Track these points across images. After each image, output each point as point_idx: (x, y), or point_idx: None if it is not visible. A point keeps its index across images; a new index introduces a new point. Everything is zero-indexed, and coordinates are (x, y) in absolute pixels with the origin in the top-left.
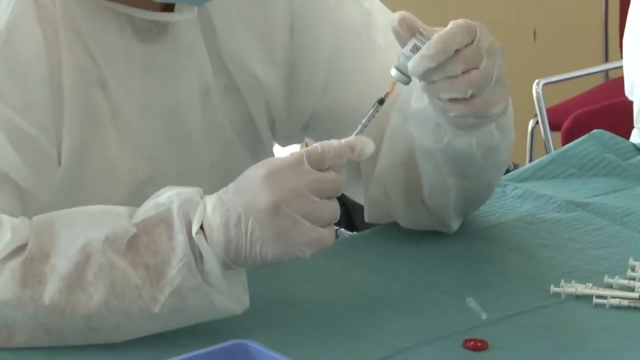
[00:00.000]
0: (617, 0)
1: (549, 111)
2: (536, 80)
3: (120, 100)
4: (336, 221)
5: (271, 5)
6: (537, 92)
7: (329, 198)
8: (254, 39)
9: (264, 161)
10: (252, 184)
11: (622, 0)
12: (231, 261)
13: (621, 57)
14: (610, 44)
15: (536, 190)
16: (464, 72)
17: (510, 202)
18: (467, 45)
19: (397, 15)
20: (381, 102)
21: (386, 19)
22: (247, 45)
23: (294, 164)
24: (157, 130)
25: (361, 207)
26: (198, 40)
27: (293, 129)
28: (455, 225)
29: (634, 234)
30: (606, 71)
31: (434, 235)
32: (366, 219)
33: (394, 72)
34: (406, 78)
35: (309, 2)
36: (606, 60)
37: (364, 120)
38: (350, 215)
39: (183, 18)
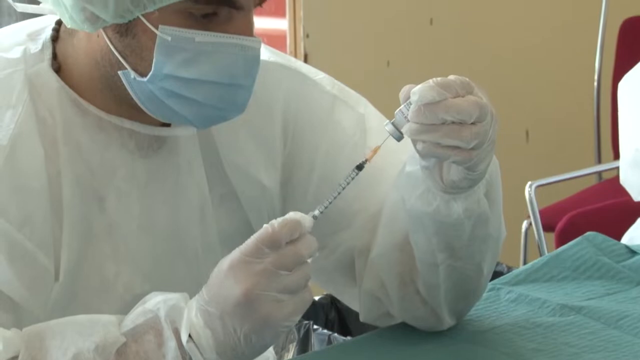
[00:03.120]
0: (609, 101)
1: (542, 212)
2: (529, 183)
3: (119, 216)
4: (309, 278)
5: (269, 111)
6: (530, 194)
7: (296, 268)
8: (256, 145)
9: (226, 257)
10: (220, 282)
11: (614, 101)
12: (228, 359)
13: (614, 158)
14: (603, 145)
15: (530, 293)
16: (470, 123)
17: (504, 306)
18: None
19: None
20: (359, 167)
21: (380, 124)
22: (250, 152)
23: (252, 251)
24: (155, 245)
25: (356, 312)
26: (196, 154)
27: None
28: (448, 318)
29: (629, 338)
30: (599, 172)
31: (427, 338)
32: (361, 319)
33: (389, 127)
34: (399, 134)
35: (304, 107)
36: (599, 161)
37: (342, 182)
38: (344, 319)
39: (185, 133)
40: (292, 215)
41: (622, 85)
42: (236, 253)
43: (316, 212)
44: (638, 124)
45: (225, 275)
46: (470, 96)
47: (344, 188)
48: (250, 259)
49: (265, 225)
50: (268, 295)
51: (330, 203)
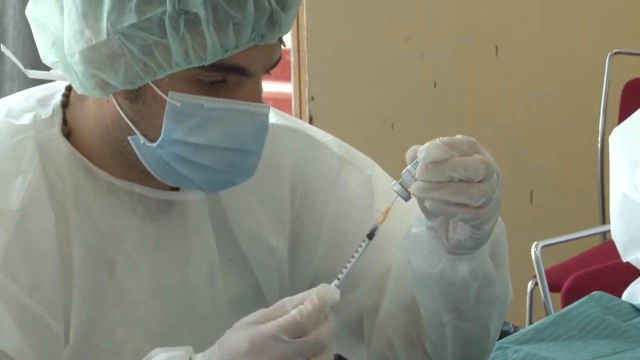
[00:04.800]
0: None
1: (547, 272)
2: (534, 243)
3: (129, 280)
4: None
5: (277, 174)
6: (536, 254)
7: (316, 355)
8: (264, 208)
9: (244, 325)
10: (236, 357)
11: None
12: None
13: None
14: (607, 205)
15: (537, 352)
16: (478, 182)
17: None
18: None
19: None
20: (370, 236)
21: (387, 185)
22: (258, 215)
23: (275, 337)
24: (165, 310)
25: None
26: (205, 218)
27: (295, 294)
28: None
29: None
30: (603, 233)
31: None
32: None
33: (397, 187)
34: (407, 194)
35: (311, 169)
36: (603, 221)
37: (356, 255)
38: None
39: (194, 197)
40: (320, 293)
41: (612, 137)
42: (259, 332)
43: (336, 282)
44: (627, 173)
45: (244, 354)
46: (476, 155)
47: (360, 254)
48: (271, 343)
49: (292, 312)
50: None
51: (348, 270)
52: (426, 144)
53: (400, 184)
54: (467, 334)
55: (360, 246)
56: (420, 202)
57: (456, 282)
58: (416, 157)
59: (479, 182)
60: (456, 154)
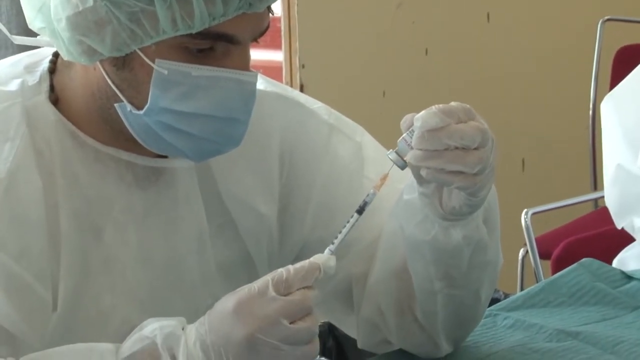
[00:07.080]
0: None
1: (538, 240)
2: (525, 210)
3: (117, 247)
4: (316, 334)
5: (266, 141)
6: (526, 222)
7: (302, 319)
8: (253, 175)
9: (233, 292)
10: (223, 318)
11: None
12: None
13: None
14: (598, 172)
15: (527, 319)
16: (473, 149)
17: (501, 332)
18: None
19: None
20: (360, 211)
21: (377, 152)
22: (247, 182)
23: (261, 293)
24: (153, 277)
25: (353, 340)
26: (193, 185)
27: (284, 261)
28: (446, 345)
29: None
30: (595, 200)
31: None
32: (359, 346)
33: (393, 155)
34: (403, 162)
35: (301, 136)
36: (595, 189)
37: (344, 230)
38: (341, 347)
39: (182, 164)
40: (316, 258)
41: (604, 104)
42: (245, 292)
43: (331, 247)
44: (620, 140)
45: (230, 313)
46: (472, 122)
47: (354, 222)
48: (257, 302)
49: (280, 269)
50: (269, 342)
51: (345, 235)
52: (422, 112)
53: (396, 152)
54: (459, 301)
55: (356, 212)
56: (415, 169)
57: (449, 248)
58: (412, 126)
59: (475, 149)
60: (452, 122)
